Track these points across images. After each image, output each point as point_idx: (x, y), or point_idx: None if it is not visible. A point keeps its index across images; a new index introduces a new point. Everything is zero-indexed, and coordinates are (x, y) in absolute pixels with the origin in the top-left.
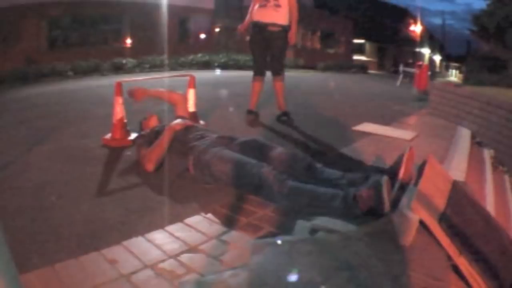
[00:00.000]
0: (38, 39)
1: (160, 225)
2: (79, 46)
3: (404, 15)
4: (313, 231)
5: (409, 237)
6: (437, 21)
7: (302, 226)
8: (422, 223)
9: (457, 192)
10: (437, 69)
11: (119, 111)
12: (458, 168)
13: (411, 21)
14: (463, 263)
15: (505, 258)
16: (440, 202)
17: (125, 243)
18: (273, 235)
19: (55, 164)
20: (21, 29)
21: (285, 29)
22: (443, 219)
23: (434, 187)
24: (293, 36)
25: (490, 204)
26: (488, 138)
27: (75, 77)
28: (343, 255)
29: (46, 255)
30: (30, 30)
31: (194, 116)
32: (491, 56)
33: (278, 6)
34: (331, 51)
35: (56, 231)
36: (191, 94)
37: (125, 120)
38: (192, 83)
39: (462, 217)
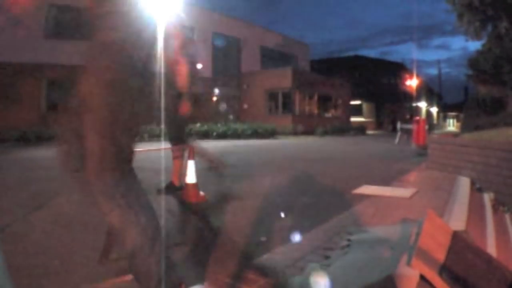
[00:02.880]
0: (38, 101)
1: None
2: None
3: (400, 70)
4: None
5: None
6: (434, 71)
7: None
8: (423, 277)
9: (457, 242)
10: (435, 121)
11: None
12: (458, 218)
13: (407, 75)
14: None
15: None
16: (440, 254)
17: None
18: None
19: (58, 228)
20: (21, 90)
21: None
22: (444, 270)
23: (434, 241)
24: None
25: (491, 246)
26: (488, 181)
27: None
28: None
29: None
30: (30, 92)
31: (194, 188)
32: (489, 97)
33: None
34: (329, 115)
35: None
36: (191, 165)
37: None
38: (192, 154)
39: (463, 265)
